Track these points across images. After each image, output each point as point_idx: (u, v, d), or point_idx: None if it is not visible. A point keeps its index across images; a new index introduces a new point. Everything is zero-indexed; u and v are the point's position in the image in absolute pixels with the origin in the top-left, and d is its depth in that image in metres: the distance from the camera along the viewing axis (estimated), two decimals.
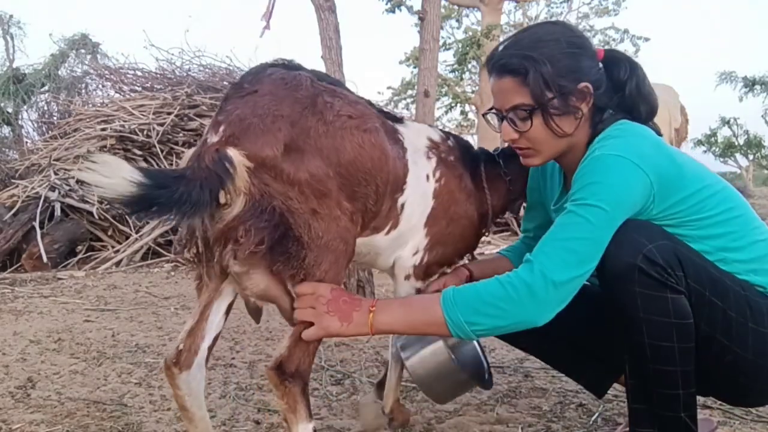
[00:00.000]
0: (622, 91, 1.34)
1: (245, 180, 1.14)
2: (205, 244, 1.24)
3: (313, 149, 1.24)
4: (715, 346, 1.24)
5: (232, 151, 1.14)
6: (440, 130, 1.69)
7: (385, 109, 1.61)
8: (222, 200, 1.13)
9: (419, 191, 1.51)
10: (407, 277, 1.58)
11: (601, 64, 1.35)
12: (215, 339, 1.35)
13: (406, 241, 1.54)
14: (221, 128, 1.20)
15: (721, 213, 1.28)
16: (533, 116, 1.31)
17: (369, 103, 1.47)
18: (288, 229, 1.19)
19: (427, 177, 1.54)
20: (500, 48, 1.36)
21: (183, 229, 1.28)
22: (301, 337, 1.24)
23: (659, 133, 1.37)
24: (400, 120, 1.58)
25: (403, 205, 1.47)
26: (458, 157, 1.62)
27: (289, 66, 1.35)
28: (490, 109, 1.41)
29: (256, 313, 1.38)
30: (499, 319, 1.18)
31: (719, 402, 1.82)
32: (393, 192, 1.44)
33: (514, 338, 1.68)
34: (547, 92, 1.29)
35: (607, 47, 1.45)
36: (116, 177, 1.00)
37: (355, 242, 1.33)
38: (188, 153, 1.32)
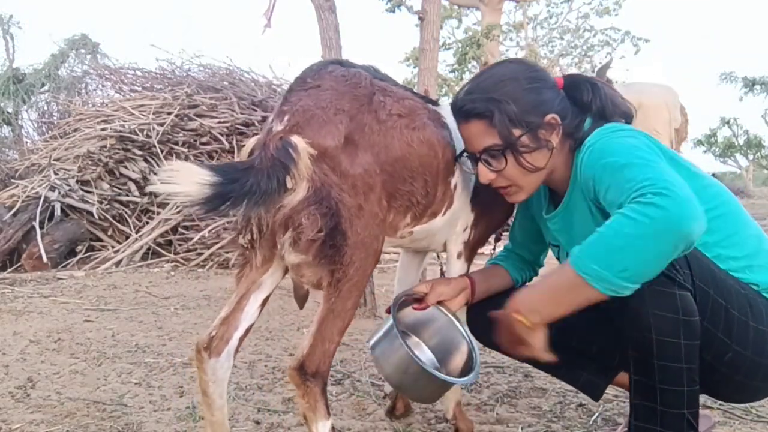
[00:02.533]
0: (590, 111, 1.38)
1: (308, 166, 1.19)
2: (259, 230, 1.28)
3: (366, 145, 1.29)
4: (715, 345, 1.24)
5: (296, 138, 1.19)
6: None
7: (421, 93, 1.65)
8: (289, 185, 1.17)
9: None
10: (459, 255, 1.65)
11: (563, 92, 1.39)
12: (248, 330, 1.39)
13: (458, 218, 1.61)
14: (285, 117, 1.26)
15: (715, 207, 1.29)
16: (505, 154, 1.34)
17: (411, 92, 1.53)
18: (339, 222, 1.23)
19: None
20: (462, 94, 1.40)
21: (239, 216, 1.31)
22: (319, 338, 1.26)
23: None
24: (435, 103, 1.63)
25: (455, 186, 1.54)
26: None
27: (346, 64, 1.42)
28: (463, 152, 1.45)
29: (301, 300, 1.43)
30: (648, 250, 1.04)
31: (719, 402, 1.83)
32: (446, 177, 1.50)
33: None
34: (514, 130, 1.33)
35: (567, 74, 1.49)
36: (189, 183, 1.05)
37: (383, 241, 1.37)
38: (251, 141, 1.38)
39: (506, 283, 1.65)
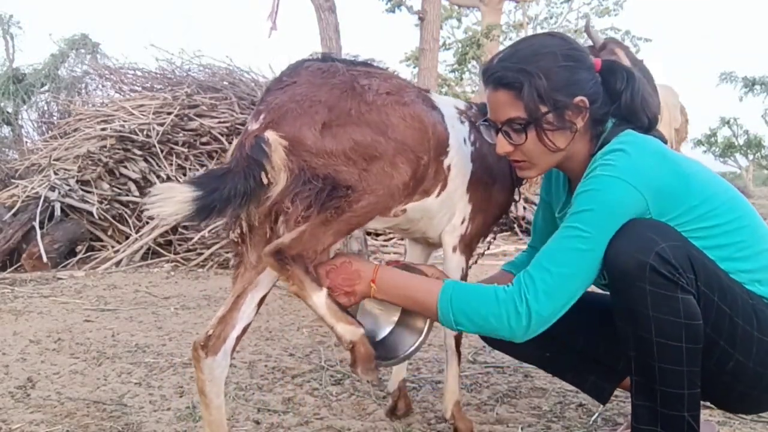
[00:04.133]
0: (618, 101, 1.34)
1: (283, 157, 1.23)
2: (249, 224, 1.31)
3: (357, 124, 1.31)
4: (717, 352, 1.24)
5: (268, 133, 1.24)
6: (463, 101, 1.77)
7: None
8: (265, 180, 1.21)
9: (461, 154, 1.58)
10: (455, 249, 1.65)
11: (598, 76, 1.35)
12: (245, 329, 1.40)
13: (454, 204, 1.61)
14: (261, 116, 1.29)
15: (728, 222, 1.27)
16: (527, 130, 1.31)
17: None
18: (336, 185, 1.26)
19: (465, 140, 1.59)
20: (496, 60, 1.36)
21: (227, 215, 1.35)
22: (305, 235, 1.26)
23: (663, 140, 1.37)
24: (427, 91, 1.63)
25: (449, 167, 1.54)
26: None
27: (324, 58, 1.44)
28: (485, 119, 1.42)
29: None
30: (484, 329, 1.29)
31: None
32: (438, 155, 1.50)
33: (515, 351, 1.70)
34: (541, 106, 1.29)
35: (606, 58, 1.45)
36: (173, 203, 1.11)
37: (400, 198, 1.40)
38: (235, 142, 1.41)
39: None
